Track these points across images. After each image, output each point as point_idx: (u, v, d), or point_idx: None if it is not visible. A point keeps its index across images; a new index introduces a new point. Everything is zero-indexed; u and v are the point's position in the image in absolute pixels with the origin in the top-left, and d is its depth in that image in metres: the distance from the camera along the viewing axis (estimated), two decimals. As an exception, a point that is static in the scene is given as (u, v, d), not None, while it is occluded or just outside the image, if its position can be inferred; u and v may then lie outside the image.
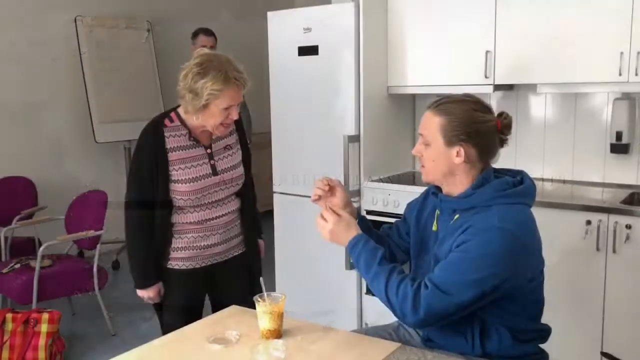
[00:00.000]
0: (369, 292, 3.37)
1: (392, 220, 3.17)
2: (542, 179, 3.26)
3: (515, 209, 1.61)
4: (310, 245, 3.51)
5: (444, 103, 1.67)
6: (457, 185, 1.69)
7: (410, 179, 3.53)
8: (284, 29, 3.47)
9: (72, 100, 5.12)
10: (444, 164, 1.66)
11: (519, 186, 1.66)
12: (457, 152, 1.64)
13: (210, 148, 2.17)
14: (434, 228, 1.77)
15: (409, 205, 1.95)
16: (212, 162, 2.16)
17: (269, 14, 3.54)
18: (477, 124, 1.64)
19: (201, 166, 2.13)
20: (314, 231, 3.40)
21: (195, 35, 4.36)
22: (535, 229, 1.66)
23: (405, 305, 1.56)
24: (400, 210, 3.17)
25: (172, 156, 2.10)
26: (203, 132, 2.14)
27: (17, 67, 4.77)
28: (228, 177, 2.19)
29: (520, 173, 1.73)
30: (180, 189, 2.10)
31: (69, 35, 4.99)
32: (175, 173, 2.09)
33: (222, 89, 1.96)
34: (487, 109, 1.68)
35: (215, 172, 2.15)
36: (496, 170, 1.74)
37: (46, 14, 4.93)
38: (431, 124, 1.67)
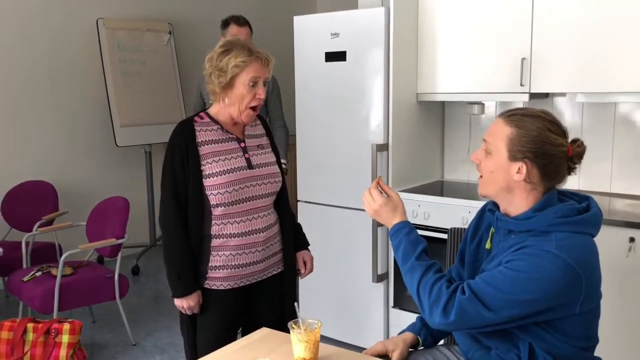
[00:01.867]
0: (396, 305, 3.27)
1: (421, 232, 3.10)
2: (578, 191, 3.13)
3: (577, 238, 1.50)
4: (335, 256, 3.43)
5: (518, 115, 1.56)
6: (515, 205, 1.58)
7: (439, 189, 3.43)
8: (310, 34, 3.37)
9: (93, 104, 5.09)
10: (502, 178, 1.56)
11: (585, 213, 1.54)
12: (519, 169, 1.53)
13: (244, 142, 2.13)
14: (487, 246, 1.67)
15: (463, 239, 1.81)
16: (246, 155, 2.11)
17: (296, 18, 3.45)
18: (548, 145, 1.53)
19: (235, 159, 2.08)
20: (340, 241, 3.37)
21: (225, 24, 3.63)
22: (596, 262, 1.55)
23: (437, 306, 1.48)
24: (431, 222, 3.09)
25: (203, 150, 2.05)
26: (235, 126, 2.12)
27: (38, 69, 4.74)
28: (264, 172, 2.13)
29: (587, 199, 1.61)
30: (215, 182, 2.03)
31: (90, 37, 4.96)
32: (209, 166, 2.03)
33: (246, 61, 2.00)
34: (562, 132, 1.57)
35: (250, 166, 2.10)
36: (561, 193, 1.62)
37: (68, 16, 4.89)
38: (499, 133, 1.56)
